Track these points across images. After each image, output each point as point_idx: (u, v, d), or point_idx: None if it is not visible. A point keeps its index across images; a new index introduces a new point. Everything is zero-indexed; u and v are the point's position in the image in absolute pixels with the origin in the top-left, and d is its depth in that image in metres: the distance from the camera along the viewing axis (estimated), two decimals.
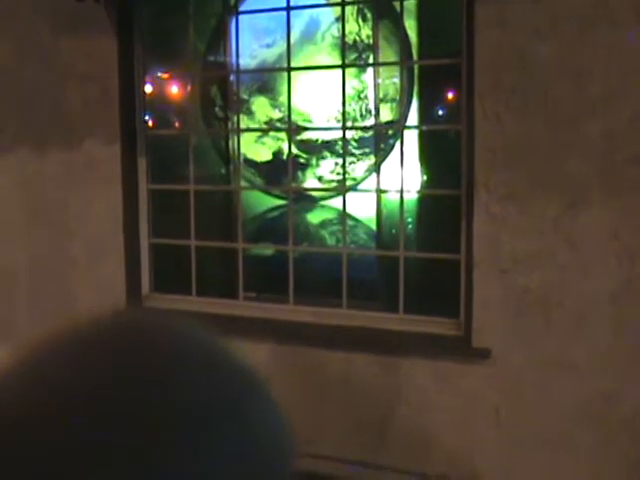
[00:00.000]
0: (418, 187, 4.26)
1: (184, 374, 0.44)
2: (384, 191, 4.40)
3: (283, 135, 4.46)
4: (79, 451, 0.39)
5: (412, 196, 4.16)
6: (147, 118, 4.30)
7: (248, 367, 0.48)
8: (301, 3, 3.99)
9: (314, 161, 4.59)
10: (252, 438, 0.45)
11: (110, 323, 0.48)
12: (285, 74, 3.98)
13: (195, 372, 0.45)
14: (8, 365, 0.44)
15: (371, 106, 4.44)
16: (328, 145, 4.44)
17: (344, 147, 3.95)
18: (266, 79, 4.66)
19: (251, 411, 0.46)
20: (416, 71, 3.86)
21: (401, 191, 3.89)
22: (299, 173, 4.50)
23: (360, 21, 4.17)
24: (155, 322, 0.49)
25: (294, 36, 4.06)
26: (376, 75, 4.20)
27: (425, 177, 4.34)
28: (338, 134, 4.07)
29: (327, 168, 4.60)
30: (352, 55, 4.24)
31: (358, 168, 4.46)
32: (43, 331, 0.46)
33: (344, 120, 3.92)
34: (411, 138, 4.08)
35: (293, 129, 4.08)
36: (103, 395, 0.41)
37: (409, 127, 4.14)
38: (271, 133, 4.72)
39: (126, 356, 0.44)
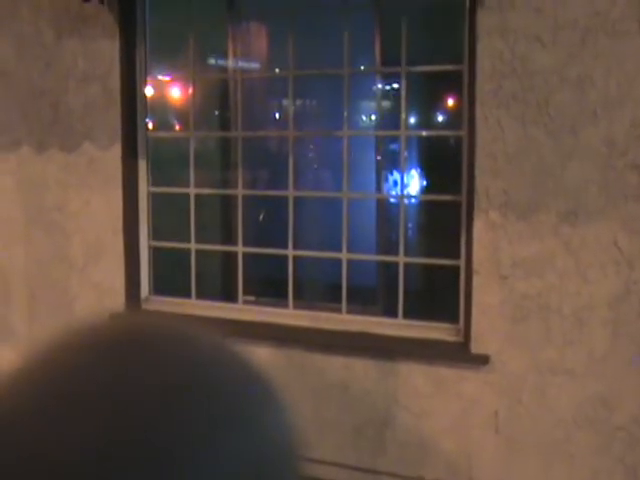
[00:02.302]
0: (419, 193, 4.28)
1: (194, 376, 0.44)
2: (385, 196, 4.42)
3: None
4: (87, 452, 0.39)
5: (413, 202, 4.17)
6: (148, 120, 4.31)
7: (259, 369, 0.48)
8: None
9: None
10: (265, 443, 0.45)
11: (117, 325, 0.48)
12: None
13: (206, 375, 0.45)
14: (16, 366, 0.44)
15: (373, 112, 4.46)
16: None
17: (347, 153, 3.95)
18: None
19: (264, 414, 0.46)
20: (418, 78, 3.88)
21: (402, 196, 3.90)
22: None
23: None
24: (163, 325, 0.49)
25: None
26: (378, 81, 4.21)
27: (426, 183, 4.35)
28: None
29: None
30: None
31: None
32: (48, 332, 0.46)
33: (347, 125, 3.95)
34: (412, 144, 4.10)
35: (294, 133, 4.09)
36: (111, 397, 0.41)
37: (411, 133, 4.16)
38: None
39: (137, 358, 0.44)
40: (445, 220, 3.82)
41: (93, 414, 0.41)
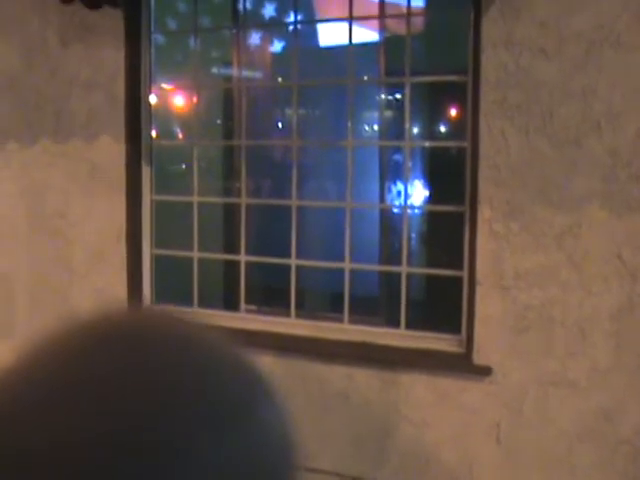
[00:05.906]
0: (422, 203, 4.28)
1: (196, 374, 0.45)
2: (388, 207, 4.42)
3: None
4: (87, 446, 0.39)
5: (416, 212, 4.17)
6: (152, 128, 4.31)
7: (259, 369, 0.49)
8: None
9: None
10: (263, 441, 0.45)
11: (122, 320, 0.49)
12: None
13: (208, 373, 0.46)
14: (15, 360, 0.45)
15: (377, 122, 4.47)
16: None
17: (350, 163, 3.96)
18: None
19: (263, 413, 0.46)
20: (422, 88, 3.89)
21: (405, 207, 3.90)
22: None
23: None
24: (167, 323, 0.49)
25: None
26: (382, 91, 4.22)
27: (429, 193, 4.36)
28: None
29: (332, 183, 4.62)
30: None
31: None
32: (46, 327, 0.46)
33: (350, 135, 3.95)
34: (416, 154, 4.11)
35: (298, 143, 4.10)
36: (112, 389, 0.42)
37: (414, 143, 4.16)
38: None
39: (140, 353, 0.45)
40: (448, 231, 3.82)
41: (94, 405, 0.41)
